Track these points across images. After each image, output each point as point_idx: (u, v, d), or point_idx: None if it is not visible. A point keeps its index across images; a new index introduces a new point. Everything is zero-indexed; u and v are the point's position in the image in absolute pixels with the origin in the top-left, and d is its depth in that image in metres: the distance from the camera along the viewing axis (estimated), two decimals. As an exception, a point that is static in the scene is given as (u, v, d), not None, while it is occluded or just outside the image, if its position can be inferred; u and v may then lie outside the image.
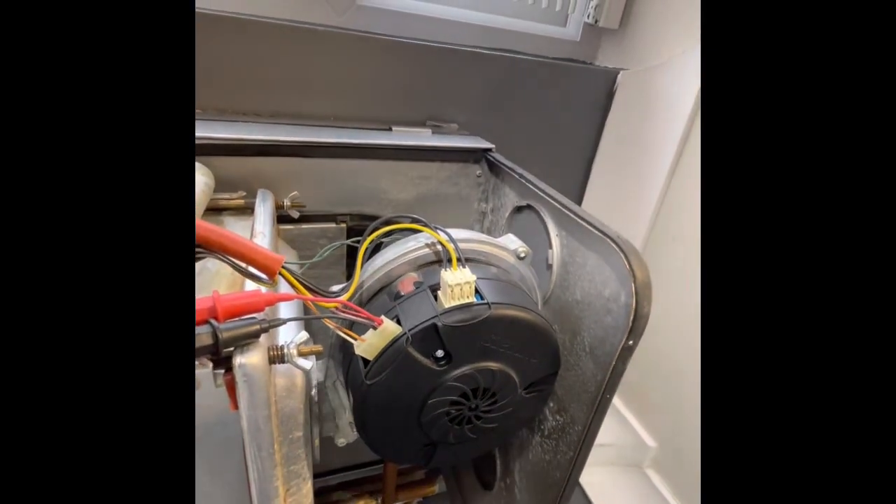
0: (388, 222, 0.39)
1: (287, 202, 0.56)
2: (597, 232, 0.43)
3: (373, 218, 0.67)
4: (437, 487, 0.98)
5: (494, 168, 0.67)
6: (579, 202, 0.99)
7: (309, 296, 0.34)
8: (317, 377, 0.48)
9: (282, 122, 0.67)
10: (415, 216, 0.39)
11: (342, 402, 0.48)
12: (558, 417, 0.53)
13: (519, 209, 0.60)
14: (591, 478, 1.03)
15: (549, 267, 0.51)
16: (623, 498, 0.99)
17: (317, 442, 0.44)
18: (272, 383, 0.34)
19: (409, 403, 0.38)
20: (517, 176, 0.58)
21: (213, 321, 0.28)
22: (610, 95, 0.92)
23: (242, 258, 0.32)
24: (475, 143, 0.69)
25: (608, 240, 0.41)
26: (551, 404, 0.53)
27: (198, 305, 0.29)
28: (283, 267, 0.33)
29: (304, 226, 0.62)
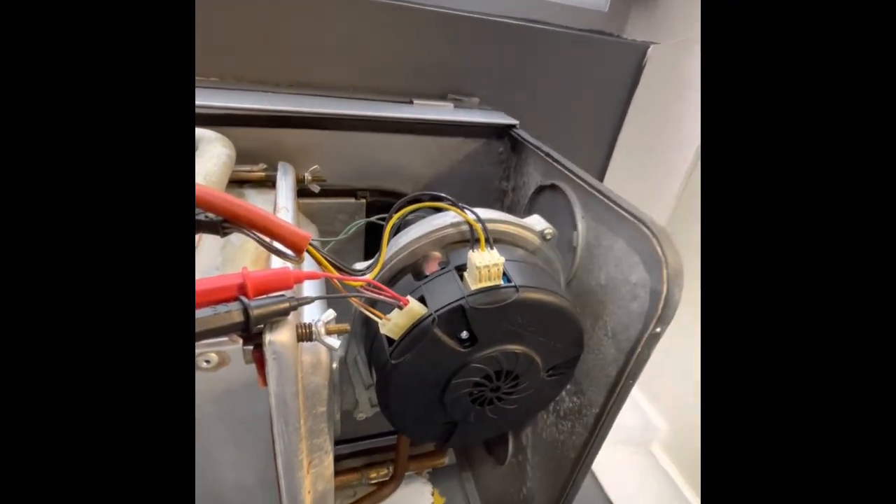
0: (413, 200, 0.38)
1: (308, 176, 0.55)
2: (628, 216, 0.42)
3: (392, 193, 0.67)
4: (447, 459, 1.00)
5: (518, 145, 0.65)
6: (600, 180, 0.97)
7: (336, 274, 0.34)
8: (338, 353, 0.49)
9: (301, 93, 0.65)
10: (440, 194, 0.38)
11: (363, 378, 0.49)
12: (575, 399, 0.53)
13: (543, 189, 0.58)
14: (599, 456, 1.05)
15: (574, 249, 0.50)
16: (629, 476, 1.01)
17: (338, 416, 0.45)
18: (299, 360, 0.34)
19: (432, 383, 0.38)
20: (543, 154, 0.56)
21: (243, 298, 0.28)
22: (638, 70, 0.88)
23: (269, 234, 0.32)
24: (498, 118, 0.67)
25: (641, 224, 0.40)
26: (569, 386, 0.53)
27: (228, 282, 0.28)
28: (309, 244, 0.33)
29: (324, 200, 0.61)
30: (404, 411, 0.40)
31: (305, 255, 0.34)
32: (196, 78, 0.64)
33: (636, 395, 1.09)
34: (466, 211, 0.38)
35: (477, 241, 0.37)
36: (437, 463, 1.00)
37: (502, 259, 0.36)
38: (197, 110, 0.52)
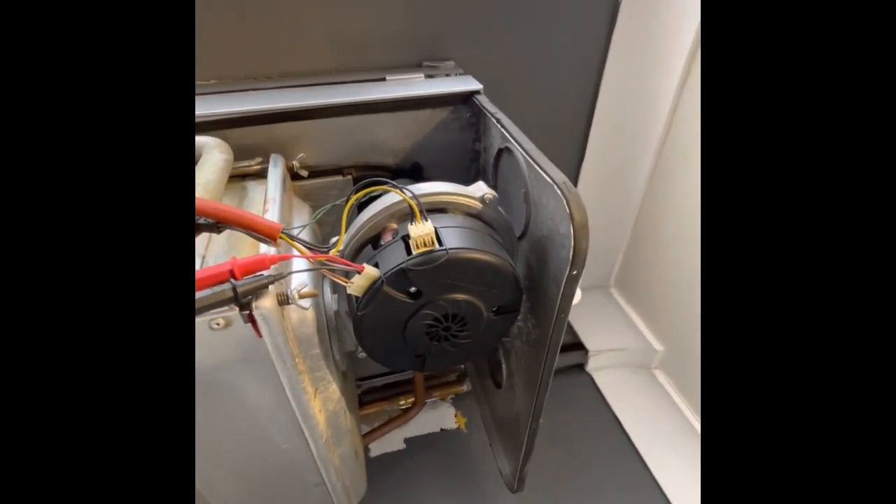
0: (363, 187, 0.47)
1: (296, 164, 0.65)
2: (547, 178, 0.49)
3: (376, 167, 0.75)
4: (466, 387, 1.15)
5: (481, 111, 0.71)
6: (587, 126, 0.99)
7: (306, 253, 0.45)
8: (334, 308, 0.61)
9: (288, 85, 0.73)
10: (384, 179, 0.47)
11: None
12: (538, 331, 0.63)
13: (501, 151, 0.65)
14: (604, 378, 1.16)
15: (526, 204, 0.58)
16: (632, 394, 1.12)
17: (361, 355, 0.57)
18: (287, 318, 0.46)
19: (393, 326, 0.49)
20: (495, 122, 0.63)
21: (232, 280, 0.40)
22: (615, 7, 0.87)
23: (250, 228, 0.43)
24: (464, 84, 0.72)
25: (555, 186, 0.47)
26: (533, 320, 0.63)
27: (221, 269, 0.40)
28: (282, 232, 0.44)
29: (316, 180, 0.71)
30: (378, 349, 0.52)
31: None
32: (199, 83, 0.74)
33: (636, 320, 1.16)
34: (405, 191, 0.47)
35: (414, 215, 0.46)
36: (458, 390, 1.15)
37: (432, 229, 0.45)
38: (199, 119, 0.63)
